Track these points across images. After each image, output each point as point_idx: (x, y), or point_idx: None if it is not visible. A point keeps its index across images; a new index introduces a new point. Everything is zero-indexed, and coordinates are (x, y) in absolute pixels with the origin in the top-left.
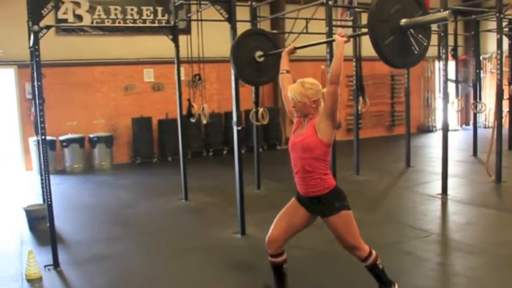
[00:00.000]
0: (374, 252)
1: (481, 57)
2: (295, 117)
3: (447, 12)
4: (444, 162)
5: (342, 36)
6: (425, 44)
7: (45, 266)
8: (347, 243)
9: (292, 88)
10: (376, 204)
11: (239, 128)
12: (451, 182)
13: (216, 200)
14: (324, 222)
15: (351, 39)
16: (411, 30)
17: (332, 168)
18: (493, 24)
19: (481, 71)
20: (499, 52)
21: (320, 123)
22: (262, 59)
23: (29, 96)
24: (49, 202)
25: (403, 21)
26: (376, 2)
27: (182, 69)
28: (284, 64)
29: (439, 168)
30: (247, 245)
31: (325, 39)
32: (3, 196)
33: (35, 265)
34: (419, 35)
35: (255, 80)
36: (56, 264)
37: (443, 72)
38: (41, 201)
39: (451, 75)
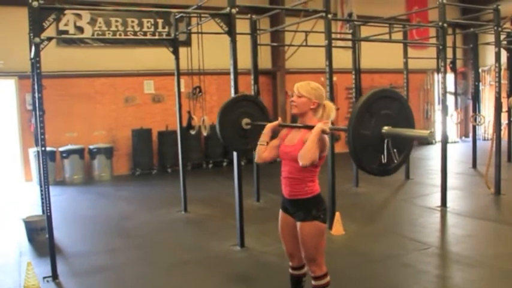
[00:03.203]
0: (329, 277)
1: (479, 70)
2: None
3: (429, 131)
4: (443, 174)
5: (325, 123)
6: (394, 161)
7: (44, 278)
8: (308, 254)
9: (299, 84)
10: (375, 217)
11: None
12: (450, 194)
13: (216, 212)
14: (297, 227)
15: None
16: (389, 141)
17: (331, 180)
18: (491, 37)
19: (480, 84)
20: (497, 65)
21: None
22: (249, 126)
23: (30, 107)
24: (48, 213)
25: (385, 128)
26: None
27: (182, 81)
28: (265, 136)
29: (438, 181)
30: (246, 257)
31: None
32: (2, 207)
33: (33, 277)
34: (395, 150)
35: (242, 147)
36: (54, 275)
37: (442, 84)
38: (40, 212)
39: (450, 87)
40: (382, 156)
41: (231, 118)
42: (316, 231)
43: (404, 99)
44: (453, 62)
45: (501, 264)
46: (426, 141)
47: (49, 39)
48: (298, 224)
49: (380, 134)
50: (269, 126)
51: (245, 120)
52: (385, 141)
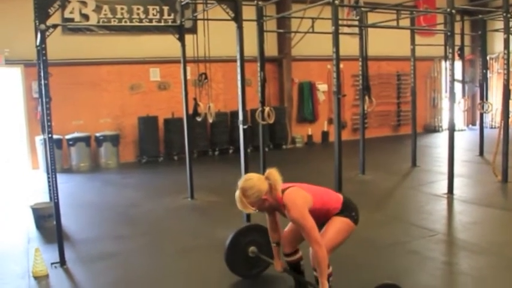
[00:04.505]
0: (331, 268)
1: (487, 57)
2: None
3: None
4: (450, 162)
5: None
6: None
7: (52, 264)
8: (325, 239)
9: (239, 204)
10: (382, 204)
11: (245, 126)
12: (457, 181)
13: (222, 199)
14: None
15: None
16: None
17: (337, 167)
18: (500, 24)
19: (488, 71)
20: (506, 52)
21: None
22: (253, 255)
23: (36, 95)
24: (56, 200)
25: None
26: None
27: (188, 68)
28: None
29: (445, 168)
30: None
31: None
32: (10, 194)
33: (41, 263)
34: None
35: (247, 273)
36: (62, 262)
37: (449, 72)
38: (47, 200)
39: (458, 75)
40: None
41: (239, 243)
42: (346, 227)
43: None
44: (461, 49)
45: (507, 251)
46: None
47: (54, 26)
48: (332, 218)
49: None
50: (277, 265)
51: (251, 249)
52: None
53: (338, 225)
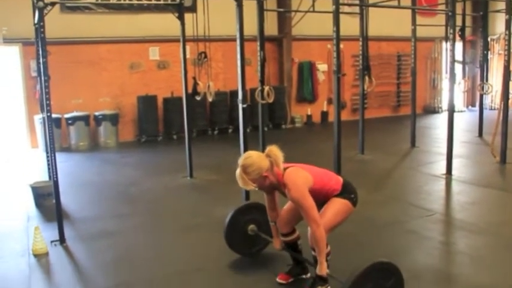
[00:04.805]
0: (329, 247)
1: (488, 38)
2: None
3: None
4: (449, 142)
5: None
6: None
7: (52, 242)
8: (323, 219)
9: (240, 181)
10: (381, 184)
11: (244, 105)
12: (455, 162)
13: (221, 177)
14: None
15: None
16: None
17: (337, 147)
18: (501, 5)
19: (489, 52)
20: (507, 33)
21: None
22: (253, 233)
23: (34, 74)
24: (55, 179)
25: None
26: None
27: (188, 47)
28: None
29: (444, 149)
30: None
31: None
32: (9, 173)
33: (41, 240)
34: None
35: (247, 251)
36: (62, 240)
37: (450, 53)
38: (47, 179)
39: (458, 56)
40: None
41: (239, 221)
42: (344, 208)
43: (401, 276)
44: (462, 30)
45: (505, 231)
46: None
47: (52, 4)
48: (330, 199)
49: None
50: (276, 243)
51: (251, 227)
52: None
53: (337, 206)
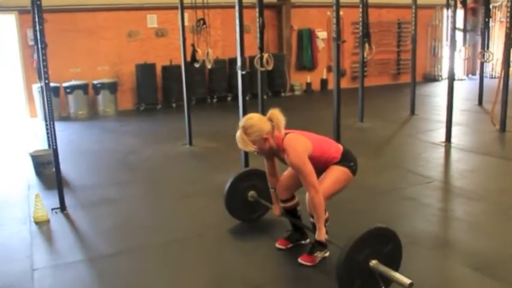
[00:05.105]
0: (327, 213)
1: (490, 6)
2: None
3: (408, 282)
4: (449, 110)
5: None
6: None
7: (53, 209)
8: (322, 186)
9: (240, 142)
10: (380, 151)
11: (243, 72)
12: (455, 130)
13: (220, 145)
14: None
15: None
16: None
17: (336, 115)
18: None
19: (490, 20)
20: (509, 0)
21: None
22: (253, 199)
23: (31, 43)
24: (54, 147)
25: (373, 262)
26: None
27: (186, 15)
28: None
29: (443, 117)
30: None
31: None
32: (9, 143)
33: (42, 208)
34: (381, 282)
35: (247, 217)
36: (62, 207)
37: (451, 20)
38: (46, 147)
39: (459, 23)
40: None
41: (239, 188)
42: (343, 176)
43: (399, 241)
44: None
45: (503, 198)
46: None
47: None
48: (330, 167)
49: (367, 264)
50: (275, 209)
51: (251, 193)
52: (370, 271)
53: (336, 174)
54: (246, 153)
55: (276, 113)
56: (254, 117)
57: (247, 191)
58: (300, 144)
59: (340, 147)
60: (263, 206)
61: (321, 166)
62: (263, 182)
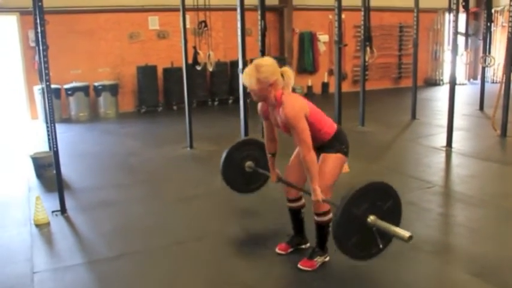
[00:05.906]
0: (331, 215)
1: (492, 10)
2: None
3: (409, 235)
4: (450, 115)
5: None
6: (379, 246)
7: (53, 212)
8: (322, 180)
9: (246, 77)
10: (380, 155)
11: None
12: (456, 135)
13: (221, 148)
14: (319, 158)
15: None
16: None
17: (337, 118)
18: None
19: (492, 24)
20: (511, 5)
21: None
22: (251, 170)
23: (33, 44)
24: (55, 149)
25: (371, 218)
26: (345, 206)
27: (188, 16)
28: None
29: (444, 121)
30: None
31: None
32: (10, 144)
33: (42, 210)
34: (379, 239)
35: (244, 189)
36: (63, 210)
37: (453, 24)
38: (47, 149)
39: (461, 28)
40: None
41: (236, 158)
42: (334, 161)
43: (399, 199)
44: (466, 1)
45: (504, 203)
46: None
47: None
48: (322, 155)
49: (365, 219)
50: (273, 176)
51: (248, 163)
52: (367, 227)
53: (331, 163)
54: None
55: (288, 71)
56: (271, 60)
57: (244, 161)
58: (298, 102)
59: (335, 125)
60: (261, 177)
61: (311, 136)
62: (260, 151)
